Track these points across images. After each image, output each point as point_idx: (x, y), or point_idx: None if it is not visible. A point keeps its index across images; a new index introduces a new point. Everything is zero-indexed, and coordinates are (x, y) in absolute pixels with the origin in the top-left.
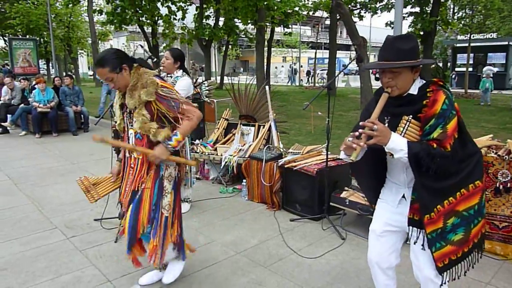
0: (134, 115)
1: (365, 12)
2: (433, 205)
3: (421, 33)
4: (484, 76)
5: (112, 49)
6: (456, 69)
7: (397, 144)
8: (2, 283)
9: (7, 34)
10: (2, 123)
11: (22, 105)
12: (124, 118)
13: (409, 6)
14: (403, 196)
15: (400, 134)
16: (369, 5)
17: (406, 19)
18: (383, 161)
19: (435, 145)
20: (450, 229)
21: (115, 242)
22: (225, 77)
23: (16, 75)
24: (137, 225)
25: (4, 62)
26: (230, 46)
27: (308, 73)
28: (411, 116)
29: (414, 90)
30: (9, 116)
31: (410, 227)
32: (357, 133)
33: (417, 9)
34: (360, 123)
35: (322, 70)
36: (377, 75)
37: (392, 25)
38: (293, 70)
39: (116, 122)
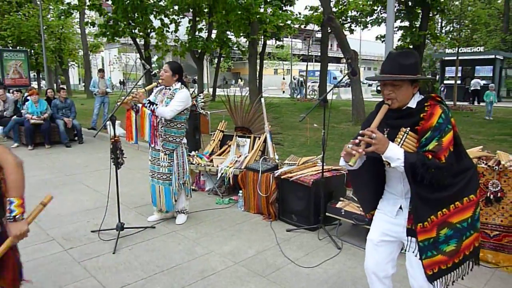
0: None
1: (355, 26)
2: (427, 215)
3: (411, 46)
4: (487, 88)
5: None
6: (445, 81)
7: (394, 153)
8: None
9: None
10: None
11: (14, 117)
12: None
13: (398, 21)
14: (400, 207)
15: (398, 145)
16: (359, 19)
17: (396, 33)
18: (381, 173)
19: (430, 156)
20: (443, 240)
21: (113, 254)
22: (218, 89)
23: (7, 87)
24: None
25: None
26: (222, 59)
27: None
28: (408, 128)
29: (413, 104)
30: (0, 128)
31: (409, 237)
32: (357, 141)
33: (407, 23)
34: (360, 131)
35: (313, 82)
36: (379, 88)
37: (382, 39)
38: (299, 82)
39: None
